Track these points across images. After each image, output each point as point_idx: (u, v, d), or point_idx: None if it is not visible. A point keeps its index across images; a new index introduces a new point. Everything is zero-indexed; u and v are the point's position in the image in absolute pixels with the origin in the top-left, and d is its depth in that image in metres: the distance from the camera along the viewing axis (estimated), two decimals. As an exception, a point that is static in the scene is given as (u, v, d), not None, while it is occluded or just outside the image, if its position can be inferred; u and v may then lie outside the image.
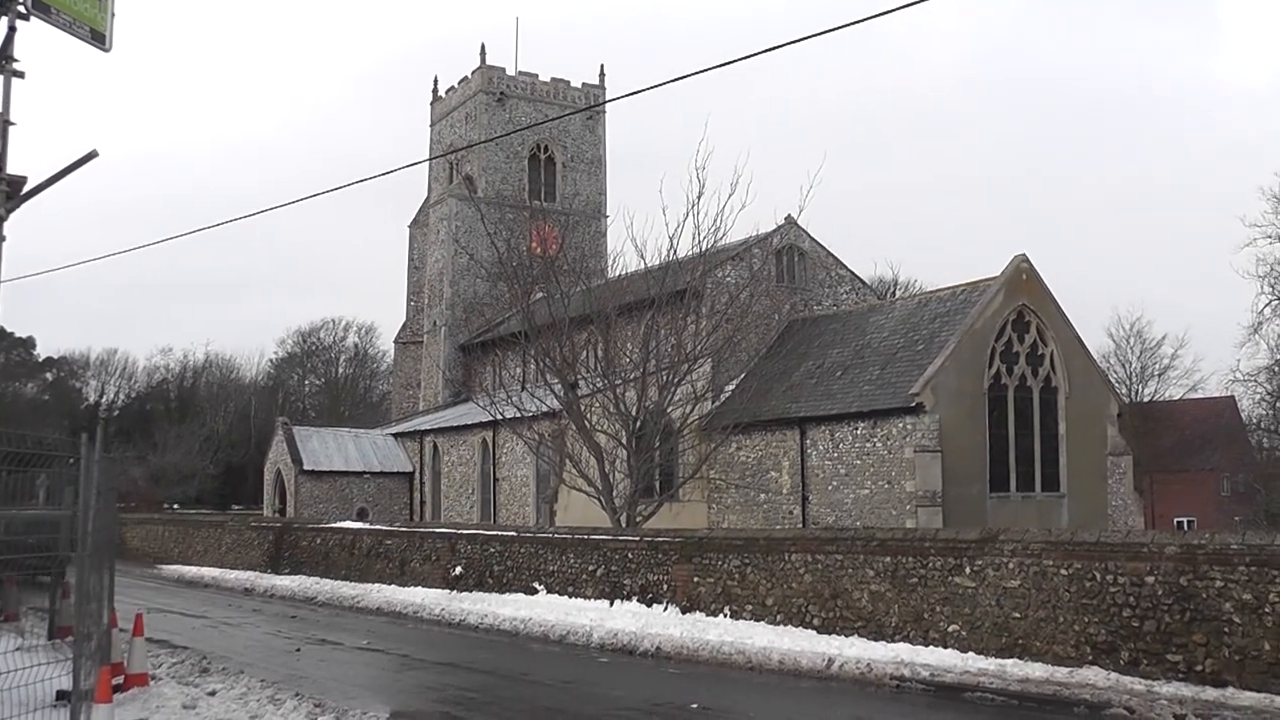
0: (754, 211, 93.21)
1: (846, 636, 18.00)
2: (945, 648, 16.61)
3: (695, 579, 21.36)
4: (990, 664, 15.61)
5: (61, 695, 11.68)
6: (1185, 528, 50.17)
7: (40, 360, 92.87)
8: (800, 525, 34.03)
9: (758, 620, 19.73)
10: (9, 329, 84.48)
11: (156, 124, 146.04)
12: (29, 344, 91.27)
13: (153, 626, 15.68)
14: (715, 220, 31.42)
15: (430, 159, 64.60)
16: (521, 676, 17.33)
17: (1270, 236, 48.25)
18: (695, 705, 14.09)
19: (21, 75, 9.95)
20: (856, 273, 46.29)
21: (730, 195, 31.35)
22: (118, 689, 12.96)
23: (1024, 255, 34.44)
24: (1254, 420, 55.92)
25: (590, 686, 16.38)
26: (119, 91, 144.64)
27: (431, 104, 67.69)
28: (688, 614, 20.98)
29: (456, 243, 60.10)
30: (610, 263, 37.76)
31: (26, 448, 10.80)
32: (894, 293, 64.71)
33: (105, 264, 61.20)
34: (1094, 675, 14.48)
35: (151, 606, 22.63)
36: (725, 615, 20.36)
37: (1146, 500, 46.50)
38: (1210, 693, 13.34)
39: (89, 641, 11.81)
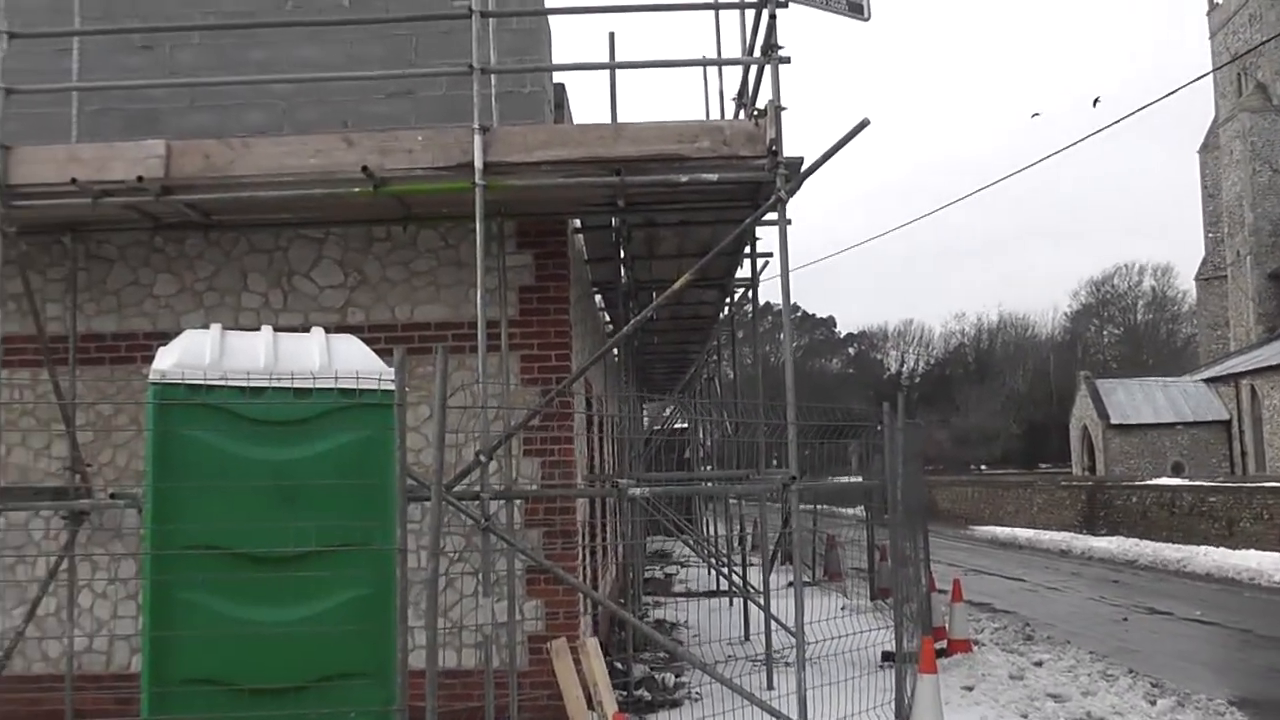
0: None
1: None
2: None
3: None
4: None
5: (886, 657, 11.81)
6: None
7: (841, 337, 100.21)
8: None
9: None
10: (810, 310, 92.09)
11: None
12: (830, 323, 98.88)
13: (970, 589, 15.48)
14: None
15: (1214, 71, 59.06)
16: None
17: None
18: None
19: (788, 60, 10.12)
20: None
21: None
22: (941, 653, 12.84)
23: None
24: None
25: None
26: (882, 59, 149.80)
27: (1208, 14, 62.20)
28: None
29: (1255, 160, 54.53)
30: None
31: (836, 419, 11.23)
32: None
33: (886, 238, 64.32)
34: None
35: (966, 568, 22.67)
36: None
37: None
38: None
39: (908, 605, 11.81)
